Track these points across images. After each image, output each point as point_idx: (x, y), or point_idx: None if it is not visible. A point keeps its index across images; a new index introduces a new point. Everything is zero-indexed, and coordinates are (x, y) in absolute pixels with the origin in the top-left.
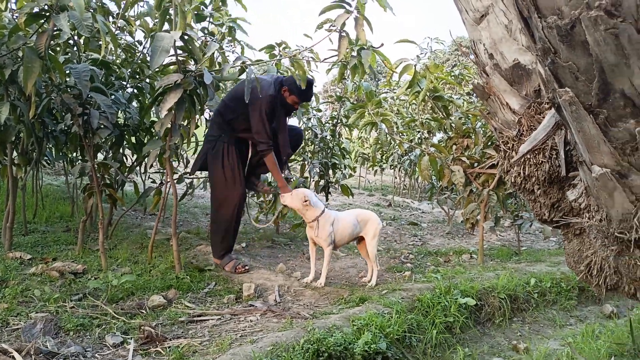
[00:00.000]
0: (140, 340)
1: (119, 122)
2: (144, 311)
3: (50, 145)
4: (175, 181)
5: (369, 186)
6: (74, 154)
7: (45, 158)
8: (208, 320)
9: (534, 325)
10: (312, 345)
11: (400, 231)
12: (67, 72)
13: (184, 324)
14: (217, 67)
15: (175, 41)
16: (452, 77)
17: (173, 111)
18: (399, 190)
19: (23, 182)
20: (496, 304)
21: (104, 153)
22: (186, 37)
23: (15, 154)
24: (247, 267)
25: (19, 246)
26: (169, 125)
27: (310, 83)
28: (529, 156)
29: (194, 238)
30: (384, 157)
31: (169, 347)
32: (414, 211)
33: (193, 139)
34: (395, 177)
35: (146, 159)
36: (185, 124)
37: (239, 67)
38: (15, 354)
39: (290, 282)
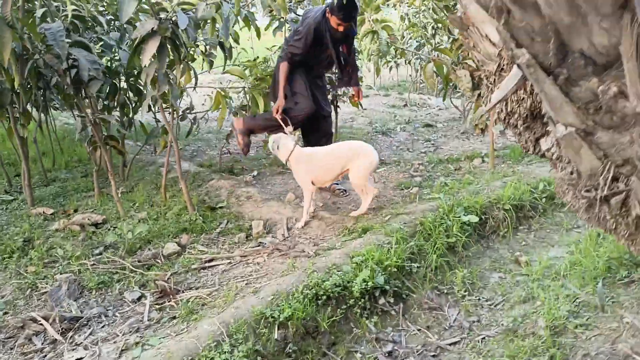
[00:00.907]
0: (155, 294)
1: (110, 68)
2: (159, 261)
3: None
4: (177, 120)
5: (385, 85)
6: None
7: (54, 103)
8: (218, 265)
9: (539, 232)
10: (310, 290)
11: (414, 137)
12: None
13: (197, 272)
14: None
15: None
16: None
17: (155, 59)
18: (416, 86)
19: (34, 136)
20: (501, 216)
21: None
22: None
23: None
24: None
25: (41, 200)
26: (156, 74)
27: (350, 1)
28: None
29: (206, 172)
30: (397, 52)
31: (181, 299)
32: (431, 109)
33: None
34: (410, 75)
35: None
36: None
37: (215, 4)
38: (44, 322)
39: (299, 213)
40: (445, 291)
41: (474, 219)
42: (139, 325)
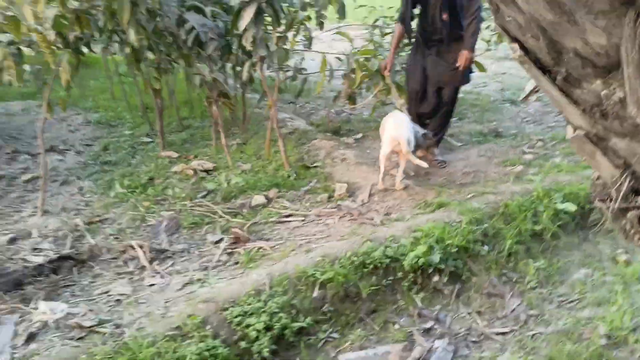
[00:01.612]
0: (230, 240)
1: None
2: (245, 210)
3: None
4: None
5: None
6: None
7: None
8: (293, 221)
9: None
10: (357, 257)
11: (547, 108)
12: None
13: (273, 224)
14: None
15: None
16: None
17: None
18: None
19: (171, 87)
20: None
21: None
22: None
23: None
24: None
25: (172, 144)
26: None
27: None
28: None
29: (313, 131)
30: None
31: (248, 248)
32: None
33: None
34: None
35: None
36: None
37: None
38: (139, 250)
39: (386, 180)
40: (515, 279)
41: (572, 207)
42: (208, 264)
